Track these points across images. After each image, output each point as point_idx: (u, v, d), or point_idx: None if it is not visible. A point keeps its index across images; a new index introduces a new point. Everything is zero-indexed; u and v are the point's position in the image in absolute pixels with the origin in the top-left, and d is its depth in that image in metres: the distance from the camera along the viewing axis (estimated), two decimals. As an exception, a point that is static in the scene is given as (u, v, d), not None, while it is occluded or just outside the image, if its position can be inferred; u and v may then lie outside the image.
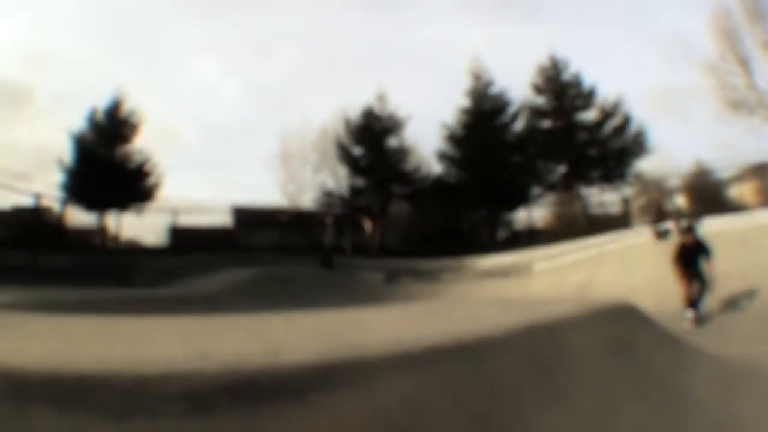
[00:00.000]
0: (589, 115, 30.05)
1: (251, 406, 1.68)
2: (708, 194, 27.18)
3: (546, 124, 30.54)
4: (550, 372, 2.79)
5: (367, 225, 32.37)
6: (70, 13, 58.64)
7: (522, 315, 3.56)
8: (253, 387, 1.69)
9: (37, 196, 24.36)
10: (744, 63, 27.50)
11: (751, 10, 27.45)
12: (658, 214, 20.71)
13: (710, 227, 15.13)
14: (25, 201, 23.83)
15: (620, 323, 3.98)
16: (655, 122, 51.68)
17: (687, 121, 54.61)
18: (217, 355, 1.89)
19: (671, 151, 60.09)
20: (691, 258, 10.00)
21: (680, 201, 27.57)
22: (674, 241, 11.04)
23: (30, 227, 23.28)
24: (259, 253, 23.41)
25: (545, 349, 2.89)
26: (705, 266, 9.82)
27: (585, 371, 3.08)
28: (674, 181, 28.23)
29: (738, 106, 27.31)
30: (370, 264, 24.15)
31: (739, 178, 26.49)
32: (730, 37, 27.93)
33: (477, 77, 32.62)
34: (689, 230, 10.55)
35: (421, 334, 2.51)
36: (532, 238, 28.52)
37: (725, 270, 10.37)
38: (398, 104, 32.82)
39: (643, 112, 60.46)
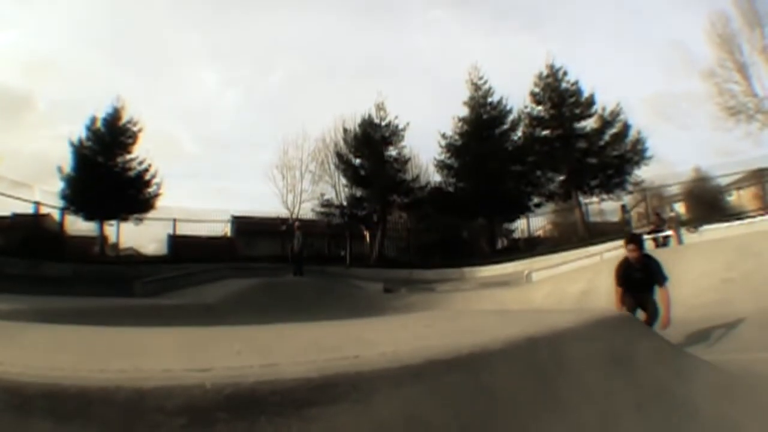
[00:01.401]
0: (588, 124, 30.09)
1: (250, 420, 1.68)
2: (707, 200, 27.18)
3: (545, 132, 30.56)
4: (550, 383, 2.79)
5: (366, 235, 32.40)
6: (70, 22, 58.97)
7: (521, 326, 3.56)
8: (252, 400, 1.70)
9: (37, 205, 24.32)
10: (742, 69, 27.68)
11: (749, 16, 27.63)
12: (657, 221, 20.73)
13: (710, 233, 15.18)
14: (25, 209, 23.77)
15: (619, 333, 3.99)
16: (654, 129, 51.90)
17: (686, 128, 54.94)
18: (216, 368, 1.90)
19: (670, 158, 60.25)
20: (638, 280, 8.04)
21: (679, 208, 27.53)
22: (619, 256, 9.04)
23: (29, 235, 23.21)
24: (258, 262, 23.37)
25: (545, 360, 2.89)
26: (658, 294, 7.96)
27: (584, 382, 3.08)
28: (673, 188, 28.23)
29: (737, 112, 27.45)
30: (369, 274, 24.16)
31: (738, 183, 26.50)
32: (728, 43, 28.13)
33: (475, 86, 32.73)
34: (633, 242, 8.35)
35: (420, 347, 2.51)
36: (531, 247, 28.53)
37: (726, 276, 10.38)
38: (397, 113, 32.90)
39: (642, 120, 60.95)
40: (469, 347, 2.45)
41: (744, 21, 27.76)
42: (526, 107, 31.51)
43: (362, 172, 32.10)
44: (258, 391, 1.71)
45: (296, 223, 22.51)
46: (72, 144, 28.25)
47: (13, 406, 1.67)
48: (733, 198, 27.48)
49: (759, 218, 18.99)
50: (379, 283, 20.90)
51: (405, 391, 1.97)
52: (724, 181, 26.87)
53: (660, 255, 14.47)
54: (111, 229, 28.51)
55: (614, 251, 17.07)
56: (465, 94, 32.83)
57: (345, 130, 33.15)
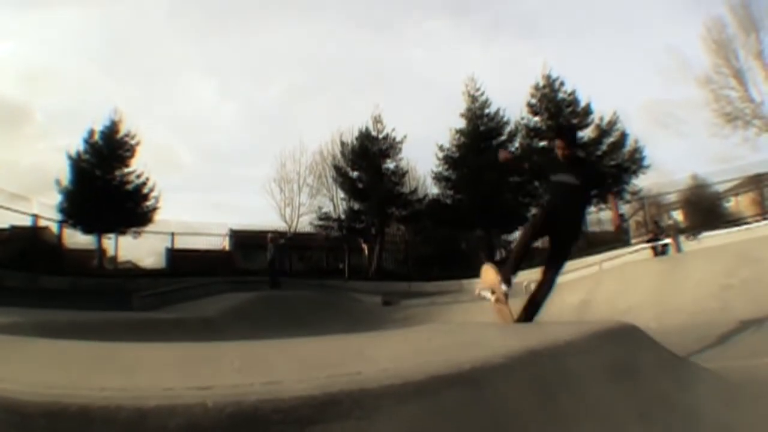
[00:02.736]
0: (585, 134, 30.20)
1: (252, 438, 1.67)
2: (705, 208, 27.23)
3: (542, 143, 30.65)
4: (553, 396, 2.78)
5: (364, 248, 32.42)
6: (68, 34, 59.17)
7: (523, 339, 3.55)
8: (254, 419, 1.68)
9: (35, 217, 24.32)
10: (739, 75, 27.87)
11: (744, 21, 27.79)
12: (655, 230, 20.76)
13: (709, 240, 15.17)
14: (23, 221, 23.78)
15: (622, 344, 3.98)
16: (650, 137, 52.03)
17: (683, 135, 55.15)
18: (217, 386, 1.89)
19: (668, 165, 60.50)
20: (565, 186, 6.10)
21: (677, 215, 27.59)
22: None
23: (27, 248, 23.19)
24: (257, 276, 23.34)
25: (547, 373, 2.88)
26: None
27: (587, 394, 3.07)
28: (671, 196, 28.28)
29: (733, 118, 27.57)
30: (367, 287, 24.14)
31: (736, 190, 26.58)
32: (724, 49, 28.29)
33: (472, 98, 32.89)
34: (561, 137, 6.57)
35: (421, 362, 2.50)
36: (529, 257, 28.44)
37: (725, 283, 10.36)
38: (394, 126, 33.10)
39: (638, 128, 61.08)
40: (471, 362, 2.44)
41: (740, 26, 27.98)
42: (523, 118, 31.74)
43: (360, 185, 32.22)
44: (260, 410, 1.70)
45: (270, 235, 22.56)
46: (70, 157, 28.39)
47: (13, 424, 1.65)
48: (731, 204, 27.56)
49: (757, 224, 19.02)
50: (377, 295, 20.90)
51: (408, 408, 1.96)
52: (721, 188, 26.98)
53: (659, 263, 14.52)
54: (109, 242, 28.66)
55: (613, 261, 17.10)
56: (462, 105, 33.05)
57: (342, 143, 33.37)
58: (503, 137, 31.90)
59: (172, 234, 28.10)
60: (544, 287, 6.41)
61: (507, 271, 6.16)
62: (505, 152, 6.89)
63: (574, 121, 30.18)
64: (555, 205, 6.22)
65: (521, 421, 2.45)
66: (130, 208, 28.47)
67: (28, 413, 1.66)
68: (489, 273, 6.33)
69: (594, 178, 6.66)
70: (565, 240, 6.31)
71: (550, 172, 6.39)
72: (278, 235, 24.42)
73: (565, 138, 6.45)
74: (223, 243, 31.47)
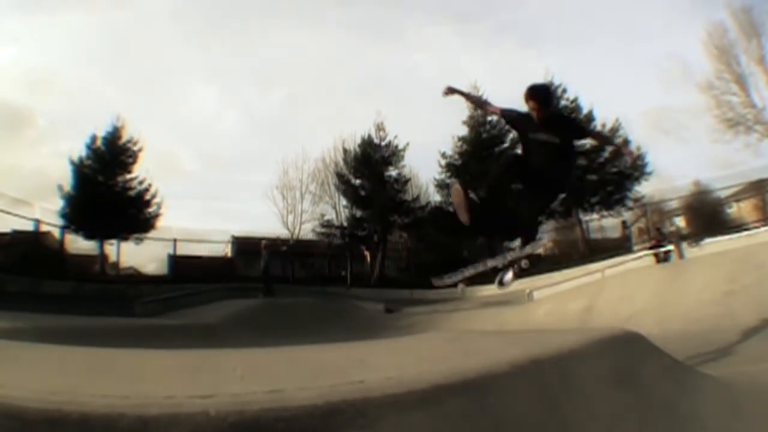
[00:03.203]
0: (588, 140, 30.11)
1: (255, 449, 1.66)
2: (707, 214, 27.16)
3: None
4: (556, 405, 2.77)
5: (367, 255, 32.41)
6: (71, 39, 59.14)
7: (526, 347, 3.53)
8: (256, 428, 1.67)
9: (37, 222, 24.35)
10: (740, 80, 27.79)
11: (746, 26, 27.76)
12: (658, 237, 20.73)
13: (711, 247, 15.13)
14: (25, 226, 23.78)
15: (625, 352, 3.97)
16: (652, 143, 51.96)
17: (684, 141, 55.07)
18: (219, 394, 1.87)
19: (669, 171, 60.26)
20: (542, 146, 5.69)
21: (680, 222, 27.52)
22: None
23: (29, 253, 23.20)
24: (259, 282, 23.33)
25: (551, 382, 2.87)
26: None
27: (591, 402, 3.06)
28: (673, 203, 28.22)
29: (735, 123, 27.51)
30: (369, 294, 24.11)
31: (738, 195, 26.51)
32: (725, 54, 28.23)
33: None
34: (534, 98, 5.67)
35: (425, 371, 2.49)
36: (532, 265, 28.38)
37: (728, 289, 10.33)
38: (397, 133, 33.05)
39: (640, 134, 61.06)
40: (475, 371, 2.43)
41: (741, 32, 27.91)
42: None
43: (362, 193, 32.21)
44: (263, 419, 1.69)
45: (263, 242, 22.56)
46: (72, 162, 28.42)
47: (14, 431, 1.64)
48: (733, 210, 27.47)
49: (759, 230, 18.97)
50: (380, 303, 20.87)
51: (411, 417, 1.95)
52: (723, 194, 26.87)
53: (662, 270, 14.50)
54: (111, 248, 28.60)
55: (616, 268, 17.07)
56: (464, 113, 32.96)
57: (345, 151, 33.35)
58: (506, 144, 31.84)
59: (175, 240, 28.10)
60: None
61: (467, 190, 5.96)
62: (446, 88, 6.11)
63: (577, 128, 30.09)
64: (535, 164, 5.80)
65: (525, 430, 2.43)
66: (132, 214, 28.48)
67: (29, 420, 1.65)
68: (457, 192, 6.08)
69: (575, 132, 6.10)
70: (547, 195, 6.08)
71: (525, 131, 5.91)
72: (280, 242, 24.42)
73: (538, 98, 5.69)
74: (225, 250, 31.44)
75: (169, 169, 56.15)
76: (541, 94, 5.75)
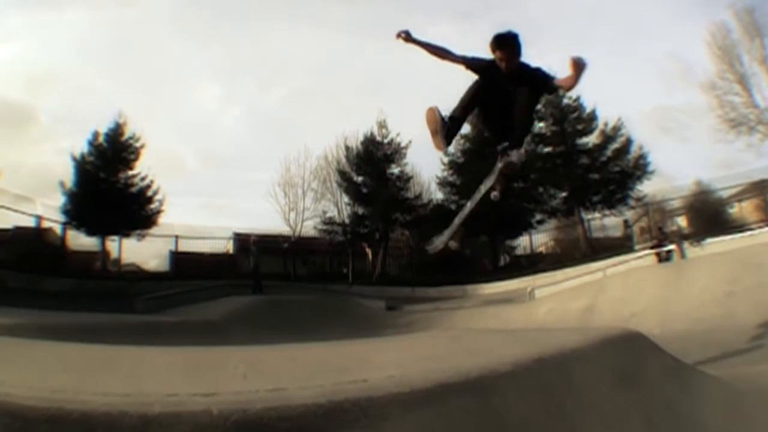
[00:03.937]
0: (590, 140, 30.12)
1: (258, 448, 1.65)
2: (709, 214, 27.09)
3: (547, 149, 30.55)
4: (559, 404, 2.76)
5: (368, 252, 32.37)
6: (73, 36, 59.16)
7: (529, 346, 3.52)
8: (259, 427, 1.66)
9: (39, 218, 24.35)
10: (743, 80, 27.69)
11: (749, 27, 27.65)
12: (659, 236, 20.70)
13: (713, 247, 15.11)
14: (27, 222, 23.77)
15: (627, 352, 3.96)
16: (655, 143, 51.76)
17: (687, 141, 54.95)
18: (222, 393, 1.87)
19: (671, 171, 60.26)
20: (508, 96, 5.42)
21: (681, 221, 27.45)
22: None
23: (31, 249, 23.20)
24: (260, 279, 23.35)
25: (553, 381, 2.86)
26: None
27: (593, 401, 3.05)
28: (675, 202, 28.15)
29: (737, 124, 27.44)
30: (371, 292, 24.10)
31: (740, 196, 26.45)
32: (728, 54, 28.13)
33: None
34: (502, 47, 5.28)
35: (428, 369, 2.48)
36: (533, 263, 28.42)
37: (729, 289, 10.32)
38: (399, 131, 32.97)
39: (643, 134, 60.83)
40: (478, 370, 2.42)
41: (744, 32, 27.79)
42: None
43: (364, 190, 32.14)
44: (266, 418, 1.68)
45: (252, 238, 22.53)
46: (74, 159, 28.35)
47: (15, 429, 1.63)
48: (735, 210, 27.42)
49: (761, 230, 18.92)
50: (381, 300, 20.84)
51: (415, 416, 1.94)
52: (725, 194, 26.82)
53: (663, 270, 14.47)
54: (113, 244, 28.55)
55: (617, 267, 17.05)
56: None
57: (347, 148, 33.24)
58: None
59: (176, 237, 28.08)
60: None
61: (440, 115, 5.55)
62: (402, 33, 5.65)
63: (579, 127, 30.13)
64: (498, 114, 5.59)
65: (528, 429, 2.42)
66: (134, 211, 28.42)
67: (30, 418, 1.65)
68: (432, 115, 5.65)
69: (544, 85, 5.56)
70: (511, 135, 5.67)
71: (490, 81, 5.47)
72: (281, 239, 24.36)
73: (506, 48, 5.29)
74: (227, 246, 31.44)
75: (172, 166, 56.35)
76: (509, 43, 5.34)
